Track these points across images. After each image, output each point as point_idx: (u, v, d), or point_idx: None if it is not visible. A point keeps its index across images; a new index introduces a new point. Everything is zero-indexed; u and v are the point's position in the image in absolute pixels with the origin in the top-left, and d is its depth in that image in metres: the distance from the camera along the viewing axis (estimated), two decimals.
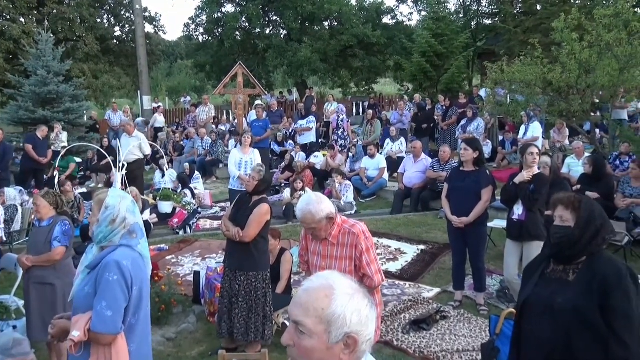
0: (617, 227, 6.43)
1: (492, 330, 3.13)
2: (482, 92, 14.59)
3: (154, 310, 5.22)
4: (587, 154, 9.01)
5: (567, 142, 11.83)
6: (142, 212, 8.12)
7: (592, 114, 11.80)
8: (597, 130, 11.90)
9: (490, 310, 5.22)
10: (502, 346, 3.01)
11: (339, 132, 13.32)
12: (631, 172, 7.47)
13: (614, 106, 11.38)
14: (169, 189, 10.01)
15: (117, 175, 7.93)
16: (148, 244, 2.84)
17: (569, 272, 2.43)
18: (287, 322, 4.96)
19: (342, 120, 13.32)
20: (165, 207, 9.35)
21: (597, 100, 11.29)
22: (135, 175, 9.64)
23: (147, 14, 27.64)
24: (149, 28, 28.17)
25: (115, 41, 28.33)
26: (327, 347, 1.41)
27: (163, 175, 11.15)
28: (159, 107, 20.30)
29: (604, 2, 14.33)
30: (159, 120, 17.97)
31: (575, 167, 9.10)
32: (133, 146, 9.60)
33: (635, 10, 11.21)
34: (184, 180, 10.77)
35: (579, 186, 7.52)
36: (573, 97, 9.85)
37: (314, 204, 3.26)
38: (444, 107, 14.48)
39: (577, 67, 9.35)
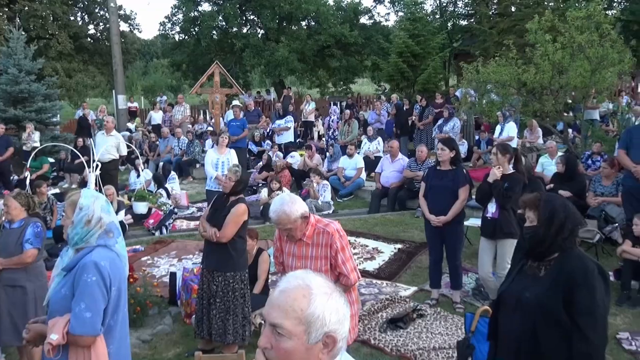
0: (589, 224, 6.57)
1: (467, 328, 3.17)
2: (458, 93, 14.76)
3: (129, 312, 5.13)
4: (560, 154, 9.17)
5: (540, 141, 12.03)
6: (116, 212, 8.02)
7: (565, 114, 12.04)
8: (570, 130, 12.13)
9: (466, 308, 5.27)
10: (477, 343, 3.05)
11: (330, 132, 13.41)
12: (602, 171, 7.63)
13: (586, 106, 11.61)
14: (144, 189, 9.89)
15: (91, 176, 7.79)
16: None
17: (541, 268, 2.50)
18: (264, 323, 4.93)
19: (332, 121, 13.43)
20: (141, 207, 9.23)
21: (570, 101, 11.52)
22: (111, 175, 9.48)
23: (121, 12, 27.26)
24: (123, 26, 27.81)
25: (89, 39, 27.89)
26: (307, 348, 1.41)
27: (138, 176, 11.01)
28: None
29: (577, 5, 14.62)
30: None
31: (548, 166, 9.25)
32: (111, 145, 9.44)
33: (606, 12, 11.45)
34: (159, 180, 10.65)
35: (552, 185, 7.64)
36: (546, 97, 10.02)
37: (287, 204, 3.24)
38: (421, 107, 14.59)
39: (550, 68, 9.51)
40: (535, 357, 2.37)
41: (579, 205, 7.03)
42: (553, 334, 2.33)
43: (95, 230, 2.56)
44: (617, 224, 6.67)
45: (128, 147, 10.77)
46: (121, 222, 8.07)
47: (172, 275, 5.85)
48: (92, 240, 2.56)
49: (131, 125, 18.19)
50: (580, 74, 9.35)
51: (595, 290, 2.31)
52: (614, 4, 24.31)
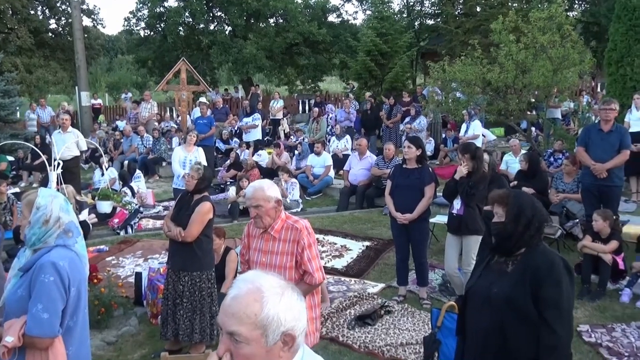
0: (551, 220, 6.73)
1: (433, 323, 3.20)
2: (425, 92, 14.94)
3: (93, 313, 5.05)
4: (523, 152, 9.37)
5: (491, 137, 12.30)
6: (78, 212, 7.83)
7: (529, 112, 12.31)
8: (533, 129, 12.41)
9: (433, 304, 5.34)
10: (443, 338, 3.09)
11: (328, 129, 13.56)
12: (564, 169, 7.83)
13: (548, 105, 11.89)
14: (108, 187, 9.68)
15: (52, 174, 7.58)
16: (87, 246, 2.74)
17: (508, 264, 2.53)
18: None
19: (330, 119, 13.51)
20: (105, 206, 9.04)
21: (533, 100, 11.78)
22: (73, 174, 9.25)
23: (84, 7, 26.58)
24: (86, 21, 27.13)
25: (50, 34, 27.13)
26: (266, 350, 1.41)
27: (102, 174, 10.78)
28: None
29: (539, 6, 14.96)
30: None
31: (512, 164, 9.44)
32: (70, 142, 9.21)
33: (567, 14, 11.75)
34: (124, 178, 10.44)
35: (515, 182, 7.80)
36: (510, 96, 10.23)
37: (267, 184, 3.29)
38: (389, 106, 14.71)
39: (514, 67, 9.71)
40: (503, 352, 2.40)
41: (542, 201, 7.19)
42: (521, 329, 2.37)
43: (53, 230, 2.49)
44: (577, 220, 6.85)
45: (90, 144, 10.53)
46: (84, 222, 7.89)
47: (138, 276, 5.74)
48: (51, 240, 2.48)
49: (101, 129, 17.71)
50: (543, 74, 9.58)
51: (562, 285, 2.37)
52: (575, 6, 24.98)
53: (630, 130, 8.14)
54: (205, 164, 8.16)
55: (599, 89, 17.35)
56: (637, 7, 8.93)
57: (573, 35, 9.70)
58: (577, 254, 6.05)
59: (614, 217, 5.87)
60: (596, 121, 6.65)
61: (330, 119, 15.24)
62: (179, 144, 11.37)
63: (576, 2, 25.25)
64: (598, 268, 5.59)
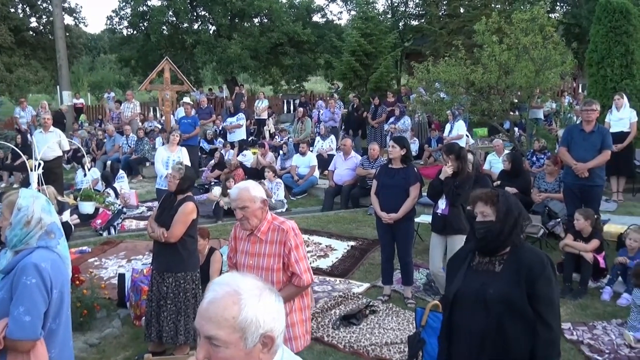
0: (533, 220, 6.80)
1: (418, 323, 3.22)
2: (412, 98, 15.04)
3: (75, 315, 4.98)
4: (506, 152, 9.46)
5: (471, 141, 12.42)
6: (60, 213, 7.73)
7: (511, 113, 12.44)
8: (516, 129, 12.54)
9: (418, 303, 5.36)
10: (427, 337, 3.11)
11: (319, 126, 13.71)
12: (546, 169, 7.92)
13: (531, 106, 12.03)
14: (91, 188, 9.57)
15: (33, 175, 7.47)
16: (69, 247, 2.70)
17: (495, 264, 2.53)
18: None
19: (322, 114, 13.64)
20: (87, 207, 8.93)
21: (516, 100, 11.90)
22: (55, 174, 9.13)
23: (66, 5, 26.28)
24: (68, 20, 26.83)
25: (31, 33, 26.74)
26: (246, 353, 1.39)
27: (85, 175, 10.65)
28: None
29: (522, 8, 15.12)
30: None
31: (496, 163, 9.53)
32: (52, 142, 9.09)
33: (550, 15, 11.90)
34: (107, 179, 10.32)
35: (499, 182, 7.88)
36: (494, 97, 10.33)
37: (252, 184, 3.28)
38: (374, 106, 14.76)
39: (497, 68, 9.80)
40: (501, 351, 2.41)
41: (525, 201, 7.28)
42: (518, 327, 2.40)
43: (35, 231, 2.45)
44: (559, 219, 6.93)
45: (72, 144, 10.40)
46: (66, 223, 7.79)
47: (121, 277, 5.69)
48: (32, 242, 2.45)
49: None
50: (525, 75, 9.68)
51: (552, 280, 2.44)
52: (557, 8, 25.29)
53: (611, 130, 8.25)
54: (189, 164, 8.11)
55: (580, 90, 17.60)
56: (617, 10, 9.07)
57: (555, 36, 9.81)
58: (559, 252, 6.13)
59: (595, 216, 5.95)
60: (578, 122, 6.73)
61: (323, 114, 15.24)
62: (163, 144, 11.28)
63: (558, 4, 25.57)
64: (580, 267, 5.67)
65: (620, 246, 6.13)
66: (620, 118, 8.43)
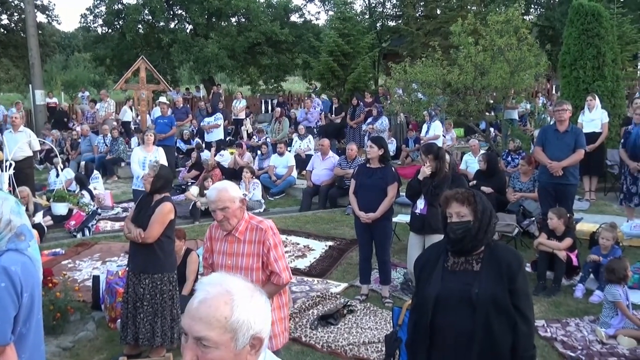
0: (508, 219, 6.90)
1: (394, 322, 3.23)
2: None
3: (48, 319, 4.89)
4: (482, 152, 9.58)
5: (449, 141, 12.57)
6: (33, 214, 7.58)
7: (487, 113, 12.60)
8: (492, 129, 12.70)
9: (395, 302, 5.38)
10: (404, 336, 3.11)
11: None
12: (520, 168, 8.04)
13: (506, 107, 12.20)
14: (64, 189, 9.39)
15: (4, 176, 7.31)
16: (41, 249, 2.64)
17: (473, 263, 2.54)
18: None
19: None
20: (60, 208, 8.76)
21: (491, 101, 12.06)
22: (26, 174, 8.94)
23: (38, 2, 25.78)
24: (41, 17, 26.32)
25: (2, 30, 26.15)
26: (235, 354, 1.37)
27: (57, 175, 10.45)
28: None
29: (497, 9, 15.33)
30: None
31: (472, 163, 9.64)
32: (22, 142, 8.90)
33: (524, 18, 12.08)
34: (81, 181, 10.11)
35: (474, 182, 7.97)
36: (470, 97, 10.44)
37: (230, 185, 3.29)
38: (352, 107, 14.81)
39: (473, 69, 9.91)
40: (488, 349, 2.43)
41: (500, 200, 7.38)
42: (503, 324, 2.44)
43: (4, 234, 2.39)
44: (534, 218, 7.04)
45: (44, 144, 10.20)
46: (39, 224, 7.64)
47: (95, 279, 5.60)
48: (2, 244, 2.38)
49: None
50: (500, 76, 9.81)
51: (526, 275, 2.56)
52: (531, 10, 25.70)
53: (584, 131, 8.42)
54: (166, 163, 8.03)
55: (554, 91, 17.91)
56: (589, 12, 9.25)
57: (529, 38, 9.97)
58: (533, 251, 6.22)
59: (568, 215, 6.06)
60: (552, 122, 6.86)
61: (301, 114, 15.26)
62: (138, 144, 11.14)
63: (532, 6, 26.00)
64: (553, 265, 5.76)
65: (592, 244, 6.26)
66: (592, 119, 8.60)
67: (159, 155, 8.04)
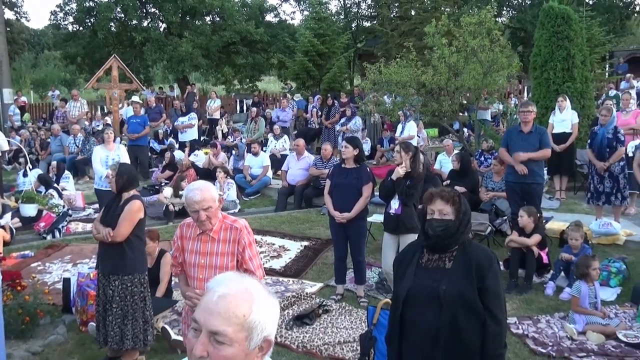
0: (481, 218, 6.99)
1: (369, 321, 3.24)
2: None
3: (16, 322, 4.79)
4: (456, 151, 9.68)
5: (421, 142, 12.70)
6: (1, 216, 7.39)
7: (461, 114, 12.76)
8: (465, 129, 12.86)
9: (370, 302, 5.40)
10: (379, 335, 3.13)
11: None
12: (493, 168, 8.16)
13: (479, 107, 12.37)
14: (33, 190, 9.18)
15: None
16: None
17: (445, 260, 2.58)
18: (167, 327, 4.77)
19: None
20: (29, 210, 8.56)
21: (465, 102, 12.21)
22: None
23: None
24: (9, 14, 25.74)
25: None
26: (246, 354, 1.36)
27: (26, 175, 10.21)
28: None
29: (470, 11, 15.54)
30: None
31: (446, 163, 9.74)
32: None
33: (496, 19, 12.27)
34: (46, 181, 9.86)
35: (448, 181, 8.05)
36: (443, 98, 10.57)
37: (206, 184, 3.29)
38: (327, 106, 14.84)
39: (446, 70, 10.03)
40: (454, 346, 2.47)
41: (473, 200, 7.47)
42: (471, 321, 2.47)
43: None
44: (506, 217, 7.15)
45: (12, 144, 9.94)
46: (8, 226, 7.46)
47: (66, 281, 5.48)
48: None
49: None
50: (474, 77, 9.95)
51: (498, 276, 2.56)
52: (503, 12, 26.12)
53: (554, 131, 8.60)
54: (128, 161, 7.93)
55: (525, 92, 18.21)
56: (559, 15, 9.43)
57: (501, 40, 10.13)
58: (506, 249, 6.30)
59: (538, 214, 6.16)
60: (518, 123, 6.97)
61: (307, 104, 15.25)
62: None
63: (504, 8, 26.42)
64: (525, 263, 5.86)
65: (563, 242, 6.38)
66: (563, 119, 8.76)
67: (122, 153, 7.90)
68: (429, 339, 2.50)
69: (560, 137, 8.52)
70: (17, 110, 16.09)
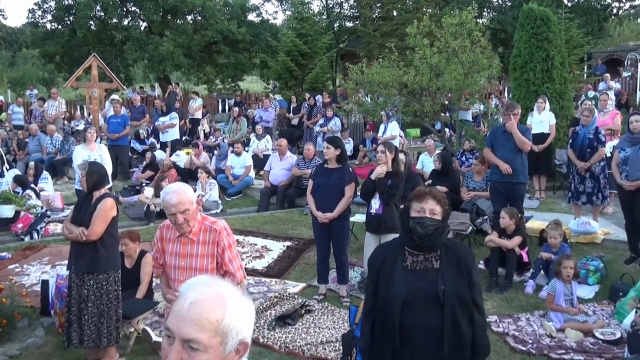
0: (462, 217, 7.05)
1: (351, 321, 3.25)
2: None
3: None
4: (437, 152, 9.75)
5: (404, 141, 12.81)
6: None
7: (442, 114, 12.84)
8: (447, 130, 12.95)
9: (352, 301, 5.42)
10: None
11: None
12: (474, 168, 8.23)
13: (460, 107, 12.46)
14: (10, 190, 9.01)
15: None
16: None
17: (432, 260, 2.59)
18: (147, 328, 4.73)
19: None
20: (6, 211, 8.41)
21: (446, 102, 12.30)
22: None
23: None
24: None
25: None
26: (222, 359, 1.34)
27: (2, 176, 10.00)
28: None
29: (451, 12, 15.65)
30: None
31: (427, 163, 9.80)
32: None
33: (477, 21, 12.38)
34: (22, 182, 9.66)
35: (430, 181, 8.10)
36: (425, 98, 10.62)
37: (185, 186, 3.29)
38: (309, 106, 14.83)
39: (428, 70, 10.08)
40: (456, 344, 2.50)
41: (454, 199, 7.53)
42: (466, 318, 2.54)
43: None
44: (486, 217, 7.22)
45: None
46: None
47: (44, 283, 5.39)
48: None
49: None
50: (455, 77, 10.02)
51: (476, 268, 2.69)
52: (484, 13, 26.38)
53: (532, 131, 8.69)
54: (109, 160, 7.84)
55: (506, 93, 18.41)
56: (539, 17, 9.54)
57: (482, 41, 10.21)
58: (486, 249, 6.37)
59: (519, 215, 6.23)
60: (503, 123, 7.02)
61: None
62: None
63: (485, 10, 26.68)
64: (505, 262, 5.92)
65: (542, 241, 6.46)
66: (541, 120, 8.87)
67: (103, 153, 7.81)
68: (433, 341, 2.49)
69: (539, 138, 8.62)
70: (17, 109, 15.76)
